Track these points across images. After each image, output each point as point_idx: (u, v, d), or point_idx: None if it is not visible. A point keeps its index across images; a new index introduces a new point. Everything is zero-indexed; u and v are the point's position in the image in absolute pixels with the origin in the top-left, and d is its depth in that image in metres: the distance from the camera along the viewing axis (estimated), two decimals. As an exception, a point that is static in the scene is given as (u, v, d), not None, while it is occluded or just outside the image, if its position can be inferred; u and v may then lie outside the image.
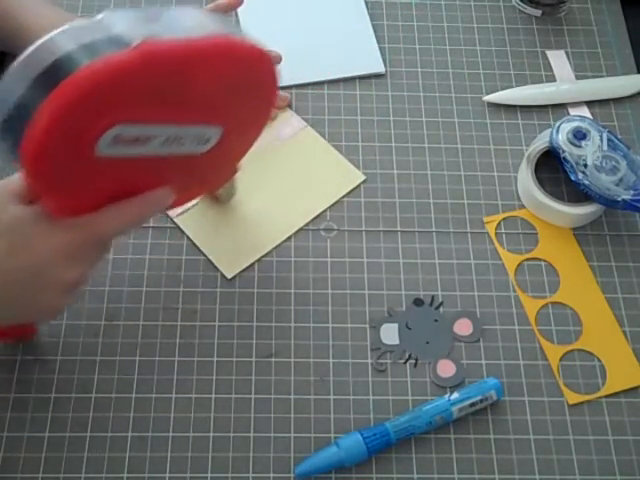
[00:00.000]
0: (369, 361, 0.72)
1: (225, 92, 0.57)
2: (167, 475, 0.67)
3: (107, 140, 0.52)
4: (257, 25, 0.90)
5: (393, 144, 0.84)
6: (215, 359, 0.72)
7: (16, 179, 0.58)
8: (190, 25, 0.54)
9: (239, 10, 0.90)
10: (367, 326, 0.74)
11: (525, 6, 0.94)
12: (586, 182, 0.77)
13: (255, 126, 0.67)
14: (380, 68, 0.88)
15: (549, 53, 0.92)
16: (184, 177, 0.64)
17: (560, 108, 0.88)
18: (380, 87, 0.88)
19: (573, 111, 0.87)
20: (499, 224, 0.80)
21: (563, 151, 0.78)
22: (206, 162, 0.63)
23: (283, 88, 0.86)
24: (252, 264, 0.76)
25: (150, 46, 0.50)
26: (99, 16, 0.53)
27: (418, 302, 0.75)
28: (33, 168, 0.52)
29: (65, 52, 0.50)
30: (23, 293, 0.59)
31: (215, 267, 0.76)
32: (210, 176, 0.70)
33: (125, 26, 0.51)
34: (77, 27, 0.51)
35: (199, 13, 0.56)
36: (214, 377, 0.71)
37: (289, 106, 0.85)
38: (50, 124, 0.49)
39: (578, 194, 0.79)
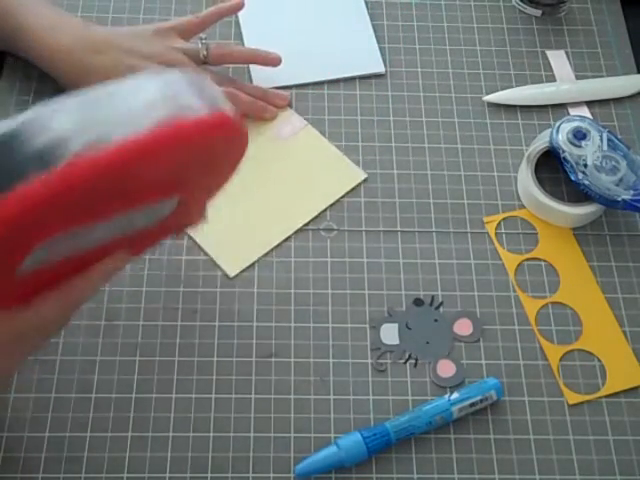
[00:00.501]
0: (369, 361, 0.72)
1: (181, 169, 0.53)
2: (167, 475, 0.67)
3: (35, 259, 0.49)
4: (257, 25, 0.90)
5: (393, 144, 0.84)
6: (215, 359, 0.72)
7: None
8: (136, 108, 0.47)
9: (240, 14, 0.90)
10: (367, 326, 0.74)
11: (525, 6, 0.94)
12: (586, 182, 0.77)
13: (220, 180, 0.62)
14: (380, 68, 0.88)
15: (549, 53, 0.92)
16: (136, 241, 0.59)
17: (560, 108, 0.88)
18: (380, 87, 0.88)
19: (573, 111, 0.87)
20: (499, 224, 0.80)
21: (563, 151, 0.78)
22: (162, 225, 0.59)
23: (283, 88, 0.86)
24: (253, 263, 0.76)
25: (73, 167, 0.44)
26: (29, 114, 0.45)
27: (418, 302, 0.75)
28: None
29: None
30: None
31: (216, 266, 0.76)
32: (171, 229, 0.65)
33: (56, 131, 0.44)
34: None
35: (155, 85, 0.49)
36: (214, 377, 0.71)
37: (289, 105, 0.85)
38: None
39: (578, 194, 0.79)
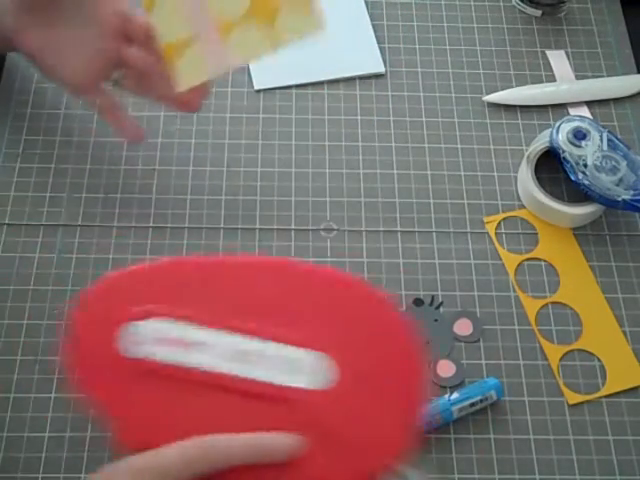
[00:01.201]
0: (369, 361, 0.72)
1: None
2: None
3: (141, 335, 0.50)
4: None
5: (393, 144, 0.84)
6: (215, 359, 0.72)
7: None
8: None
9: None
10: (367, 326, 0.74)
11: (525, 6, 0.94)
12: (586, 182, 0.77)
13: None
14: (380, 68, 0.88)
15: (549, 53, 0.92)
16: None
17: (560, 108, 0.88)
18: (380, 87, 0.88)
19: (573, 111, 0.87)
20: (499, 224, 0.80)
21: (563, 151, 0.78)
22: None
23: (283, 88, 0.86)
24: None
25: None
26: None
27: (418, 302, 0.75)
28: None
29: None
30: None
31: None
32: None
33: None
34: None
35: None
36: (214, 377, 0.71)
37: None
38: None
39: (578, 194, 0.79)
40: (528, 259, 0.78)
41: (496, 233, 0.80)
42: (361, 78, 0.88)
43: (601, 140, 0.79)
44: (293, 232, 0.79)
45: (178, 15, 0.65)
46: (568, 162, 0.78)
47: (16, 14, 0.67)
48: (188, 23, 0.65)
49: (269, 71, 0.86)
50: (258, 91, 0.87)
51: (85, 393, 0.50)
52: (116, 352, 0.50)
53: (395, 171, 0.83)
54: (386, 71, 0.89)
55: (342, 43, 0.90)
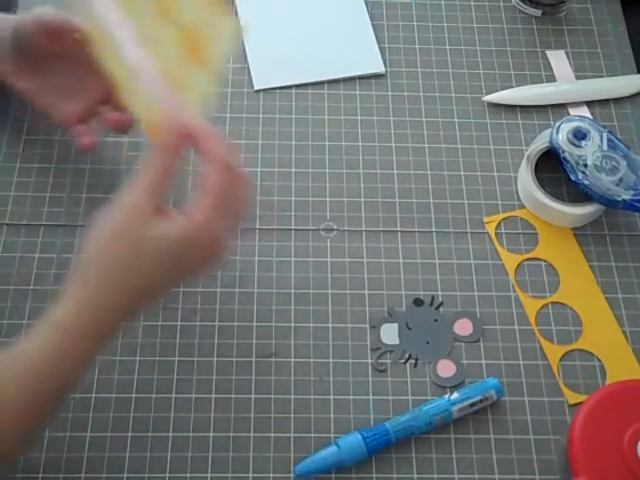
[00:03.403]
0: (369, 361, 0.72)
1: None
2: (167, 475, 0.67)
3: None
4: (257, 25, 0.90)
5: (393, 144, 0.84)
6: (215, 359, 0.72)
7: (143, 198, 0.60)
8: None
9: (240, 13, 0.90)
10: (367, 326, 0.74)
11: (525, 6, 0.94)
12: (586, 182, 0.77)
13: None
14: (380, 68, 0.88)
15: (549, 53, 0.91)
16: None
17: (560, 108, 0.88)
18: (380, 87, 0.88)
19: (573, 111, 0.87)
20: (499, 224, 0.80)
21: (563, 151, 0.78)
22: None
23: (283, 88, 0.86)
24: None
25: None
26: None
27: (418, 302, 0.75)
28: None
29: None
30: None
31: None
32: None
33: None
34: None
35: None
36: (214, 377, 0.71)
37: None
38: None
39: (578, 194, 0.79)
40: (528, 259, 0.78)
41: (496, 233, 0.80)
42: (361, 78, 0.88)
43: (601, 140, 0.79)
44: (293, 232, 0.79)
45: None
46: (568, 162, 0.78)
47: (13, 59, 0.74)
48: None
49: (269, 71, 0.86)
50: (258, 91, 0.87)
51: None
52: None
53: (395, 171, 0.83)
54: (386, 71, 0.89)
55: (342, 43, 0.90)
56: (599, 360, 0.73)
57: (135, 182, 0.60)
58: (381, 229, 0.79)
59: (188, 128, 0.61)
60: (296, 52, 0.88)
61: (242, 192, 0.63)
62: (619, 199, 0.76)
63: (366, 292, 0.76)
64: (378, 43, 0.90)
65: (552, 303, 0.76)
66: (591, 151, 0.78)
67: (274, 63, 0.88)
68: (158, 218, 0.59)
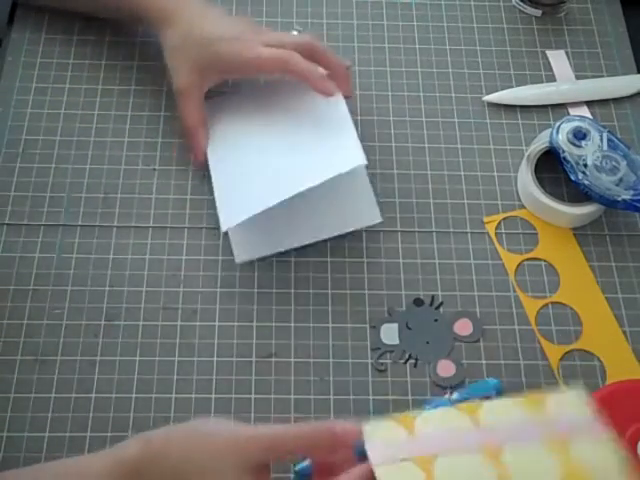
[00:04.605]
0: (369, 361, 0.72)
1: None
2: None
3: None
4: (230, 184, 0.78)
5: (393, 144, 0.84)
6: (215, 359, 0.72)
7: (255, 446, 0.53)
8: None
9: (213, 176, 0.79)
10: (367, 326, 0.74)
11: (525, 6, 0.94)
12: (586, 182, 0.77)
13: None
14: (377, 219, 0.78)
15: (549, 53, 0.91)
16: None
17: (560, 108, 0.88)
18: (380, 87, 0.88)
19: (573, 111, 0.87)
20: (499, 224, 0.80)
21: (563, 151, 0.78)
22: None
23: (283, 254, 0.77)
24: (264, 259, 0.76)
25: None
26: None
27: (418, 302, 0.75)
28: None
29: None
30: None
31: (215, 268, 0.76)
32: None
33: None
34: None
35: None
36: (214, 377, 0.71)
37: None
38: None
39: (578, 194, 0.79)
40: (528, 259, 0.78)
41: (496, 233, 0.80)
42: (361, 78, 0.88)
43: (601, 140, 0.79)
44: (293, 232, 0.79)
45: None
46: (568, 162, 0.78)
47: None
48: None
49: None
50: None
51: None
52: None
53: (395, 171, 0.83)
54: (386, 71, 0.89)
55: (341, 200, 0.78)
56: (599, 360, 0.73)
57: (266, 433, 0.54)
58: (381, 229, 0.79)
59: None
60: (291, 215, 0.76)
61: None
62: (619, 199, 0.76)
63: (366, 292, 0.76)
64: (378, 43, 0.91)
65: (552, 303, 0.76)
66: (591, 151, 0.78)
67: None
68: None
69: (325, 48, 0.79)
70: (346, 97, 0.79)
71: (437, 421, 0.55)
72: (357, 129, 0.83)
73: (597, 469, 0.53)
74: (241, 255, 0.76)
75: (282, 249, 0.76)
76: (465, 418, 0.55)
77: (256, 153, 0.79)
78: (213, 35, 0.78)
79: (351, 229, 0.78)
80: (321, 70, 0.78)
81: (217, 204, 0.76)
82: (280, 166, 0.77)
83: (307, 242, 0.76)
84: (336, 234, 0.77)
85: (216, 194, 0.77)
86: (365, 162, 0.73)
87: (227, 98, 0.83)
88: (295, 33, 0.86)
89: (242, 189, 0.76)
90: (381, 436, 0.54)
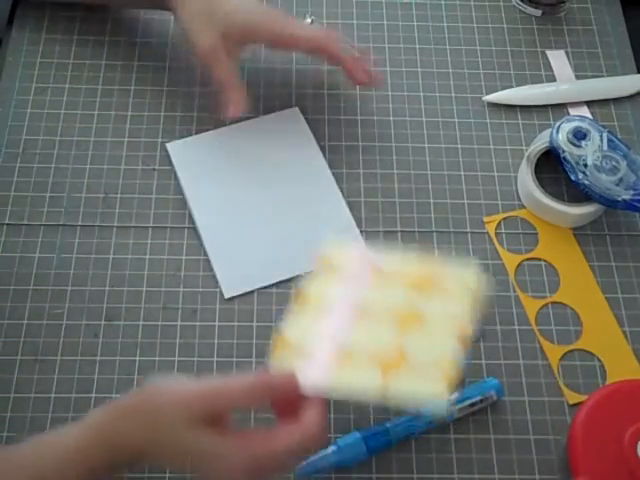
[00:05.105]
0: (369, 361, 0.72)
1: None
2: (167, 475, 0.67)
3: None
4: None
5: (393, 144, 0.84)
6: (215, 359, 0.72)
7: (199, 401, 0.57)
8: None
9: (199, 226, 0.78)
10: (367, 326, 0.74)
11: (525, 6, 0.94)
12: (586, 182, 0.77)
13: None
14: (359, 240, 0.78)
15: (549, 53, 0.91)
16: None
17: (560, 108, 0.88)
18: (380, 87, 0.88)
19: (573, 111, 0.87)
20: (499, 224, 0.80)
21: (563, 151, 0.78)
22: None
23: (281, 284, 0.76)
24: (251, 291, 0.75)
25: None
26: None
27: (418, 302, 0.75)
28: None
29: None
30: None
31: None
32: None
33: None
34: None
35: None
36: (214, 377, 0.71)
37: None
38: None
39: (578, 194, 0.79)
40: (528, 259, 0.78)
41: (496, 233, 0.80)
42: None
43: (601, 140, 0.79)
44: (293, 232, 0.79)
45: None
46: (568, 162, 0.78)
47: None
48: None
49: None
50: None
51: None
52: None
53: (395, 171, 0.83)
54: (386, 71, 0.89)
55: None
56: (599, 360, 0.73)
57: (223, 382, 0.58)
58: (381, 229, 0.79)
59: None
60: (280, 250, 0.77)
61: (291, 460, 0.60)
62: (619, 199, 0.76)
63: (366, 292, 0.76)
64: (378, 43, 0.90)
65: (552, 303, 0.76)
66: (591, 151, 0.78)
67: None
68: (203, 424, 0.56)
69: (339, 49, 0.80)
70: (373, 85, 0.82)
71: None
72: (357, 129, 0.84)
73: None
74: (230, 291, 0.75)
75: (269, 282, 0.75)
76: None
77: (247, 215, 0.78)
78: (242, 6, 0.78)
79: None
80: (356, 54, 0.80)
81: (215, 270, 0.75)
82: (276, 238, 0.77)
83: (294, 274, 0.75)
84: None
85: (212, 259, 0.76)
86: (360, 238, 0.77)
87: (214, 137, 0.83)
88: (309, 21, 0.87)
89: (241, 259, 0.76)
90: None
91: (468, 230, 0.80)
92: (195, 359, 0.72)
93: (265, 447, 0.57)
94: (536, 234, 0.80)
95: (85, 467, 0.57)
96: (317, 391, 0.58)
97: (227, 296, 0.75)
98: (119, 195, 0.80)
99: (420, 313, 0.63)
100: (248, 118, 0.83)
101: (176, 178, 0.81)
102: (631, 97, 0.88)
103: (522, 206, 0.81)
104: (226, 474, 0.57)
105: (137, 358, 0.72)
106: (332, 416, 0.69)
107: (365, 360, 0.60)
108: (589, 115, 0.87)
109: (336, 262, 0.66)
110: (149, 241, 0.77)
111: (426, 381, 0.59)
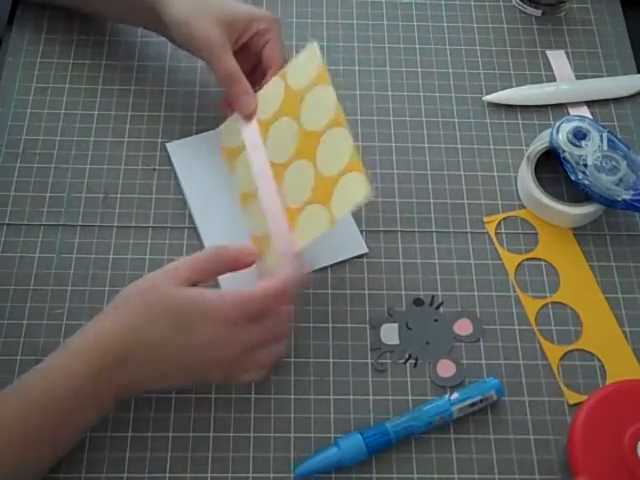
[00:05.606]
0: (369, 361, 0.72)
1: None
2: (167, 475, 0.67)
3: None
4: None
5: (393, 144, 0.84)
6: (215, 359, 0.72)
7: (183, 265, 0.65)
8: None
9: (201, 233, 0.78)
10: (367, 326, 0.74)
11: (525, 6, 0.94)
12: (586, 182, 0.77)
13: None
14: (363, 249, 0.78)
15: (549, 53, 0.92)
16: None
17: (560, 108, 0.88)
18: (380, 87, 0.88)
19: (573, 111, 0.87)
20: (499, 224, 0.80)
21: (563, 151, 0.78)
22: None
23: None
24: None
25: None
26: None
27: (418, 302, 0.75)
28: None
29: None
30: (192, 368, 0.65)
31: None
32: None
33: None
34: None
35: None
36: (214, 377, 0.71)
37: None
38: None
39: (578, 194, 0.79)
40: (528, 259, 0.78)
41: (496, 233, 0.80)
42: (360, 77, 0.88)
43: (601, 140, 0.79)
44: (293, 232, 0.79)
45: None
46: (568, 162, 0.78)
47: None
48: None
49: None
50: None
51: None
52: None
53: (395, 171, 0.83)
54: (386, 71, 0.89)
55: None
56: (599, 360, 0.73)
57: (194, 259, 0.66)
58: (381, 229, 0.79)
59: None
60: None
61: (280, 319, 0.67)
62: (619, 199, 0.76)
63: (366, 292, 0.76)
64: (378, 43, 0.91)
65: (552, 303, 0.76)
66: (591, 151, 0.78)
67: None
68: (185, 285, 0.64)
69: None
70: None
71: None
72: (357, 129, 0.83)
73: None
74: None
75: None
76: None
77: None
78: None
79: (339, 260, 0.77)
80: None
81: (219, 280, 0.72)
82: None
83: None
84: (323, 265, 0.76)
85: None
86: (366, 250, 0.78)
87: (214, 137, 0.81)
88: None
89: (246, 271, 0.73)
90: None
91: (468, 230, 0.80)
92: (195, 359, 0.72)
93: (244, 293, 0.64)
94: (536, 234, 0.80)
95: (71, 385, 0.61)
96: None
97: None
98: (119, 195, 0.80)
99: (310, 132, 0.72)
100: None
101: (176, 178, 0.81)
102: (631, 97, 0.88)
103: (522, 206, 0.81)
104: (212, 327, 0.63)
105: (137, 358, 0.71)
106: (332, 416, 0.70)
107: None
108: (589, 115, 0.87)
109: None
110: (149, 241, 0.77)
111: (345, 182, 0.69)
